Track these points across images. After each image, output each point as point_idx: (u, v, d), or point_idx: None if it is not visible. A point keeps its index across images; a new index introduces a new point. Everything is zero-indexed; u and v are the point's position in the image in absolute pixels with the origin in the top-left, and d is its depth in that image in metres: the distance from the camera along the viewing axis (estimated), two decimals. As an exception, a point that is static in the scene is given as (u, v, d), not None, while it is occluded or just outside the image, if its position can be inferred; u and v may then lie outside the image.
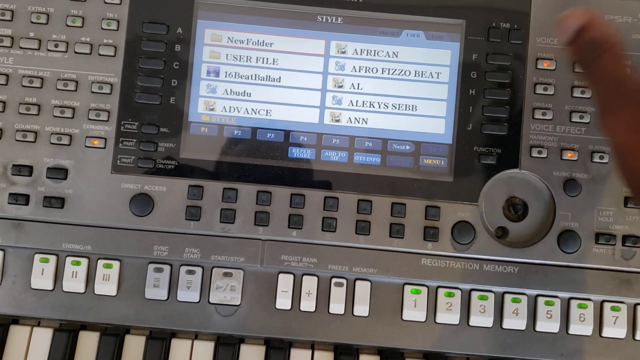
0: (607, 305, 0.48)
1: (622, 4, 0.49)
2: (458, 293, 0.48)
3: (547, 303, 0.48)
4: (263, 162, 0.49)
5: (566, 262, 0.48)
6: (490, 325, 0.48)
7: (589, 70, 0.36)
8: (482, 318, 0.48)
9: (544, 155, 0.48)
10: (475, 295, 0.48)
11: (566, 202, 0.48)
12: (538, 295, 0.48)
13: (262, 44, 0.50)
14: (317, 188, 0.48)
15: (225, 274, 0.48)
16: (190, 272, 0.48)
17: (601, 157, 0.48)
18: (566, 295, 0.48)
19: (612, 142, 0.35)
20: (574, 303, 0.48)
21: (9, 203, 0.47)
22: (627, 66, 0.35)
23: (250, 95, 0.49)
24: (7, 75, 0.48)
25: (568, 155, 0.48)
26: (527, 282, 0.48)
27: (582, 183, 0.48)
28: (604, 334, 0.48)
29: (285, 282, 0.48)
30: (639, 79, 0.34)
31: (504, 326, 0.48)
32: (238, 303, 0.48)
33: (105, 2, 0.49)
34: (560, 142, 0.49)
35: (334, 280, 0.48)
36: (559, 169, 0.48)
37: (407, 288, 0.48)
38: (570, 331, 0.48)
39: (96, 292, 0.48)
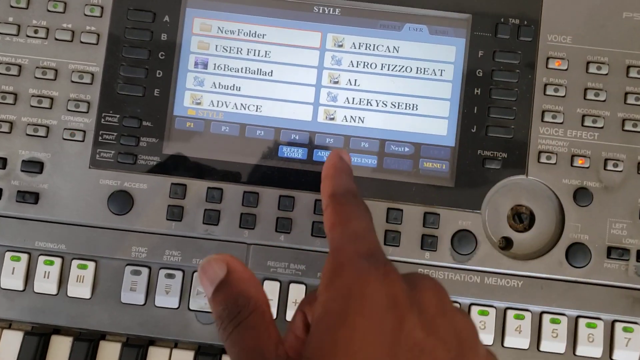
0: (618, 326, 0.44)
1: (642, 1, 0.46)
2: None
3: (553, 321, 0.44)
4: (251, 160, 0.45)
5: (574, 277, 0.44)
6: (491, 342, 0.44)
7: (225, 341, 0.29)
8: (481, 335, 0.44)
9: (553, 161, 0.45)
10: (475, 310, 0.44)
11: (576, 212, 0.45)
12: (543, 312, 0.45)
13: (254, 35, 0.47)
14: (308, 190, 0.45)
15: (207, 279, 0.44)
16: (169, 276, 0.45)
17: (615, 165, 0.45)
18: (574, 313, 0.45)
19: None
20: (582, 322, 0.44)
21: (-20, 197, 0.45)
22: (272, 334, 0.29)
23: (239, 90, 0.46)
24: (-17, 61, 0.46)
25: (579, 162, 0.45)
26: (531, 297, 0.44)
27: (593, 192, 0.45)
28: (615, 357, 0.44)
29: (271, 290, 0.44)
30: (273, 347, 0.28)
31: (505, 344, 0.44)
32: (220, 311, 0.44)
33: (89, -13, 0.46)
34: (571, 147, 0.45)
35: (323, 289, 0.45)
36: (569, 176, 0.45)
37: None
38: (578, 352, 0.44)
39: (69, 294, 0.45)
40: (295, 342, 0.32)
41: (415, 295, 0.28)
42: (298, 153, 0.46)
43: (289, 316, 0.44)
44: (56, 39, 0.46)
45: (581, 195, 0.45)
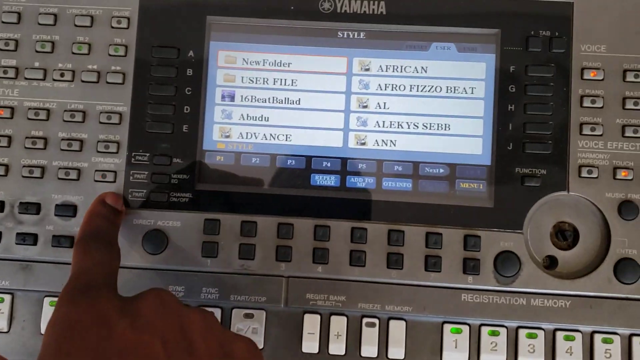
0: (675, 344, 0.43)
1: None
2: (504, 331, 0.43)
3: (605, 341, 0.43)
4: (283, 191, 0.45)
5: (625, 294, 0.43)
6: (541, 366, 0.43)
7: None
8: (531, 359, 0.43)
9: (594, 175, 0.43)
10: (522, 333, 0.43)
11: (622, 226, 0.43)
12: (594, 331, 0.43)
13: (279, 64, 0.46)
14: (343, 218, 0.44)
15: (246, 315, 0.44)
16: (208, 314, 0.44)
17: (661, 176, 0.43)
18: (627, 331, 0.43)
19: None
20: (636, 340, 0.43)
21: (16, 243, 0.44)
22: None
23: (268, 120, 0.46)
24: (12, 108, 0.46)
25: (622, 174, 0.43)
26: (580, 317, 0.43)
27: (639, 205, 0.43)
28: (673, 375, 0.42)
29: (311, 323, 0.44)
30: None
31: (557, 367, 0.43)
32: (261, 347, 0.44)
33: (112, 27, 0.46)
34: (613, 160, 0.44)
35: (365, 320, 0.44)
36: (613, 189, 0.43)
37: (447, 327, 0.43)
38: (633, 372, 0.43)
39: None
40: None
41: (130, 306, 0.33)
42: (331, 180, 0.45)
43: (333, 350, 0.43)
44: (82, 81, 0.46)
45: (626, 208, 0.43)
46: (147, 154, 0.45)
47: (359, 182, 0.45)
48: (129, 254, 0.44)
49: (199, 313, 0.35)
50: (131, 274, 0.44)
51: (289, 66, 0.46)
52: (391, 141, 0.45)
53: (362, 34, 0.46)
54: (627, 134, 0.44)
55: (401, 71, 0.46)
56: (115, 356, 0.30)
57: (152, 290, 0.34)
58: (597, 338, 0.43)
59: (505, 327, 0.43)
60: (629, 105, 0.44)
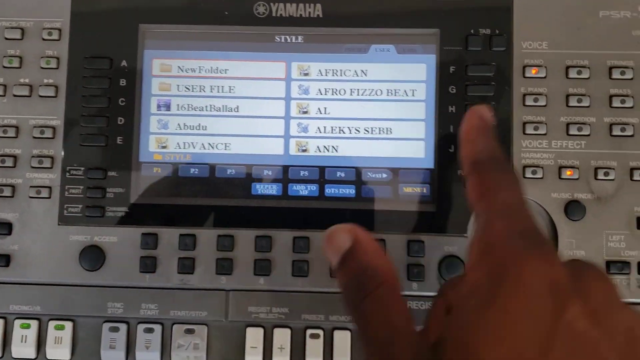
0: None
1: (619, -3, 0.43)
2: (451, 338, 0.42)
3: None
4: (223, 202, 0.44)
5: (574, 296, 0.42)
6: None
7: (352, 313, 0.28)
8: None
9: (539, 175, 0.42)
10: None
11: (569, 227, 0.42)
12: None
13: (215, 71, 0.45)
14: (286, 228, 0.43)
15: (188, 331, 0.43)
16: (148, 330, 0.43)
17: (606, 174, 0.42)
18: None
19: None
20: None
21: (-50, 264, 0.43)
22: (402, 311, 0.27)
23: (206, 129, 0.44)
24: (-58, 125, 0.44)
25: (567, 173, 0.42)
26: (530, 321, 0.42)
27: (586, 205, 0.42)
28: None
29: (254, 337, 0.42)
30: (412, 339, 0.27)
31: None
32: (203, 362, 0.43)
33: (44, 39, 0.45)
34: (558, 159, 0.43)
35: (309, 331, 0.43)
36: (558, 190, 0.42)
37: (393, 335, 0.42)
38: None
39: (48, 356, 0.43)
40: (434, 323, 0.30)
41: (580, 284, 0.25)
42: (272, 189, 0.44)
43: (276, 362, 0.42)
44: (14, 95, 0.44)
45: (573, 208, 0.42)
46: (82, 168, 0.44)
47: (301, 190, 0.44)
48: (65, 271, 0.43)
49: None
50: (68, 292, 0.43)
51: (225, 72, 0.45)
52: (333, 147, 0.44)
53: (299, 38, 0.45)
54: (571, 132, 0.43)
55: (341, 75, 0.45)
56: (564, 347, 0.23)
57: (596, 269, 0.26)
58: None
59: (453, 334, 0.42)
60: (573, 102, 0.43)
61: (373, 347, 0.27)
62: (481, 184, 0.29)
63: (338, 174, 0.44)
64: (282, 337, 0.42)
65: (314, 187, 0.44)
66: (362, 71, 0.44)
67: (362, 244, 0.29)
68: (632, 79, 0.42)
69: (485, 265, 0.25)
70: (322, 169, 0.44)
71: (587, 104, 0.43)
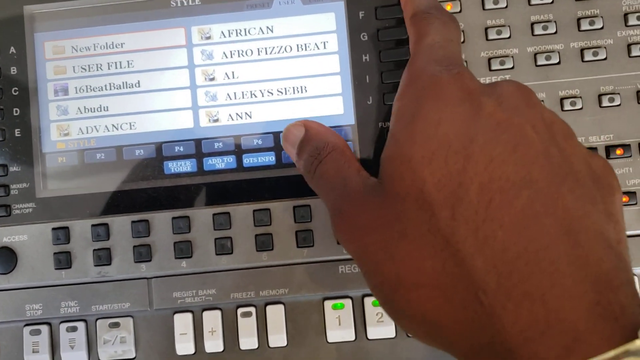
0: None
1: None
2: (389, 301, 0.40)
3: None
4: (134, 185, 0.41)
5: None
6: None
7: (312, 181, 0.34)
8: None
9: (464, 117, 0.39)
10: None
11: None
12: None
13: (111, 46, 0.42)
14: (203, 206, 0.40)
15: (112, 325, 0.40)
16: (72, 329, 0.40)
17: (535, 108, 0.39)
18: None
19: (346, 249, 0.32)
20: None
21: None
22: (352, 165, 0.33)
23: (107, 109, 0.41)
24: None
25: (494, 112, 0.39)
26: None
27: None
28: None
29: (183, 323, 0.40)
30: (361, 178, 0.32)
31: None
32: (133, 356, 0.40)
33: None
34: (483, 98, 0.40)
35: (240, 310, 0.40)
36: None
37: (328, 304, 0.40)
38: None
39: (-28, 369, 0.41)
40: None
41: (493, 88, 0.30)
42: (186, 166, 0.41)
43: (209, 348, 0.40)
44: None
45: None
46: (-19, 167, 0.41)
47: (218, 163, 0.41)
48: (-23, 278, 0.40)
49: (559, 118, 0.30)
50: (-17, 299, 0.41)
51: (122, 47, 0.42)
52: (246, 113, 0.41)
53: (197, 0, 0.42)
54: (493, 67, 0.39)
55: (245, 34, 0.41)
56: (488, 132, 0.27)
57: (511, 81, 0.31)
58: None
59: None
60: (492, 35, 0.40)
61: (333, 196, 0.32)
62: (416, 32, 0.34)
63: (255, 141, 0.41)
64: (212, 320, 0.40)
65: (230, 159, 0.41)
66: (268, 28, 0.41)
67: (313, 128, 0.35)
68: (552, 2, 0.39)
69: (408, 92, 0.31)
70: (237, 139, 0.41)
71: (507, 35, 0.39)
